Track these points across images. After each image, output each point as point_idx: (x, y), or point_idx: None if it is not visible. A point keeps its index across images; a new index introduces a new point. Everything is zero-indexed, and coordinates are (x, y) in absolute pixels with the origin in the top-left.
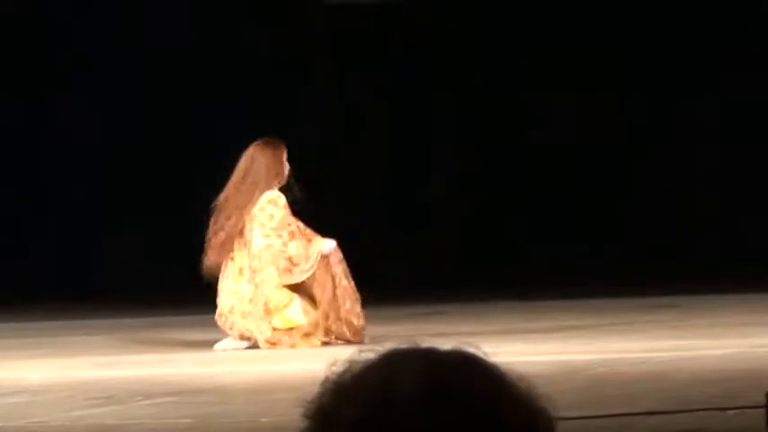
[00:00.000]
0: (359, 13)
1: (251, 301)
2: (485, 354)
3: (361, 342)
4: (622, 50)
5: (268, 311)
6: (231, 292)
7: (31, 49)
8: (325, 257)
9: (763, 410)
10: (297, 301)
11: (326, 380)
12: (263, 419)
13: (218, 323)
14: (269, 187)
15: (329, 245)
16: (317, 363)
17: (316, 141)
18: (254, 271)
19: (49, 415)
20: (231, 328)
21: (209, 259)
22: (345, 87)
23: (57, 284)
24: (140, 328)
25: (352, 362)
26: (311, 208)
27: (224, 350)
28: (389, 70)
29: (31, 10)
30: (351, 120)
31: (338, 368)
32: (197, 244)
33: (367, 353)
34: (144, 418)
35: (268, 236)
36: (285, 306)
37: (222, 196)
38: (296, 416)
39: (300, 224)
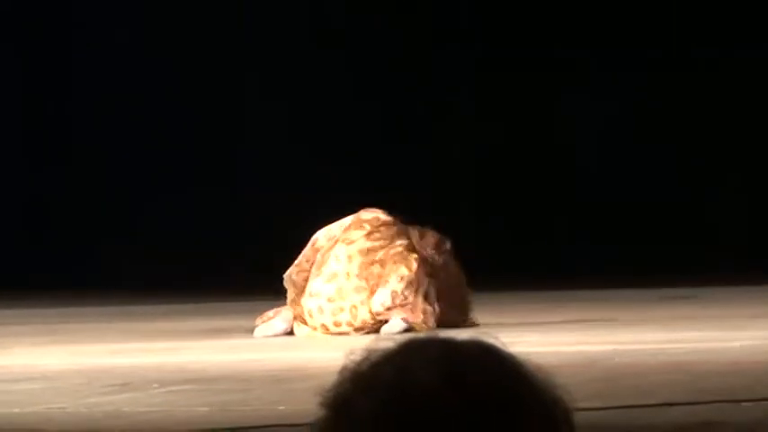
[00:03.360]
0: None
1: None
2: (502, 344)
3: None
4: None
5: None
6: None
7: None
8: None
9: None
10: None
11: (344, 368)
12: (281, 407)
13: None
14: None
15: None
16: (335, 351)
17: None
18: None
19: (64, 402)
20: None
21: None
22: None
23: (72, 271)
24: (157, 315)
25: (370, 351)
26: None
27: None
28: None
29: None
30: (355, 109)
31: (356, 357)
32: (212, 230)
33: (385, 342)
34: (160, 406)
35: None
36: None
37: None
38: (313, 404)
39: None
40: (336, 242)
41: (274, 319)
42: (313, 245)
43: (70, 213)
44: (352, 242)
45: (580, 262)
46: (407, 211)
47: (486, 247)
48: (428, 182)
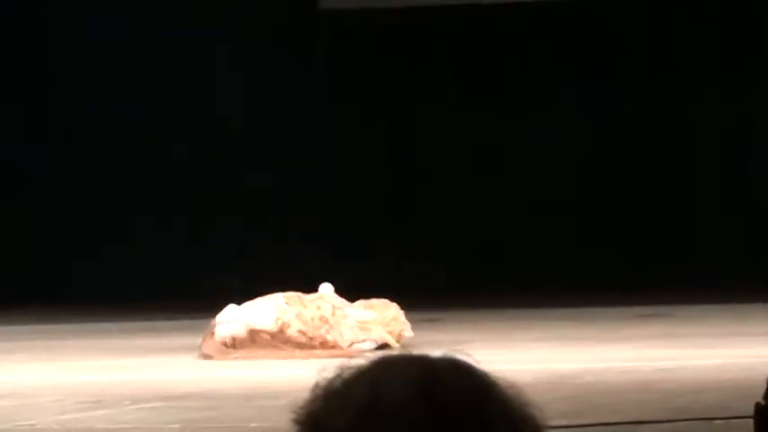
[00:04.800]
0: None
1: None
2: (475, 361)
3: None
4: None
5: None
6: None
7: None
8: None
9: (751, 421)
10: None
11: (317, 385)
12: (252, 425)
13: None
14: None
15: None
16: (306, 369)
17: (308, 144)
18: None
19: (37, 418)
20: None
21: None
22: (341, 93)
23: (47, 289)
24: (129, 333)
25: (342, 368)
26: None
27: None
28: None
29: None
30: (344, 125)
31: (329, 374)
32: (189, 249)
33: (358, 359)
34: (132, 423)
35: None
36: None
37: None
38: (285, 421)
39: None
40: None
41: None
42: None
43: (42, 230)
44: None
45: (552, 279)
46: (399, 215)
47: (459, 264)
48: (426, 184)
